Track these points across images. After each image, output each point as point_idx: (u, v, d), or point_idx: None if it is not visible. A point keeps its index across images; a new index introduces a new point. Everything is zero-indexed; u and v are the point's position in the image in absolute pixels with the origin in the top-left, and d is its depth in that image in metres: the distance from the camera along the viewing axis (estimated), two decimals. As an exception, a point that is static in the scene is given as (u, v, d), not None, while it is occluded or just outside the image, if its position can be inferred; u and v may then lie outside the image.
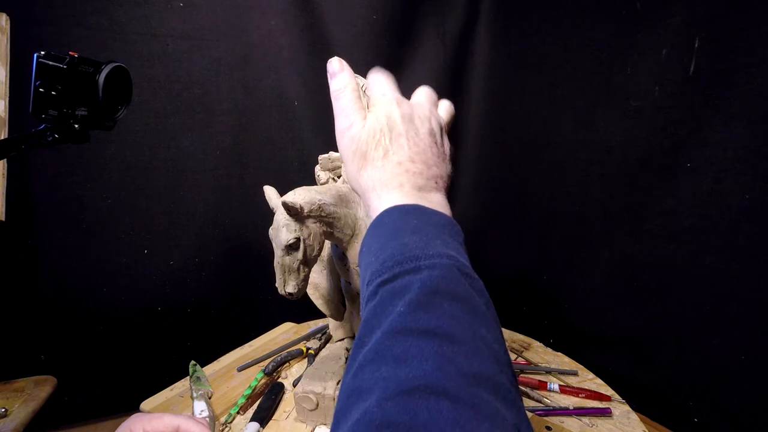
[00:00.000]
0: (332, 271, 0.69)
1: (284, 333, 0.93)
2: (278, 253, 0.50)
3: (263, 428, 0.62)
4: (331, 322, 0.80)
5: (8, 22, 0.78)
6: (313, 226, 0.51)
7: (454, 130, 0.37)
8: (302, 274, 0.51)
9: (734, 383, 0.71)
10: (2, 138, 0.67)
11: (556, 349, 0.84)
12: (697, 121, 0.71)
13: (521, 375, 0.74)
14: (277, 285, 0.51)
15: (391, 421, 0.17)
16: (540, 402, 0.68)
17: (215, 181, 1.02)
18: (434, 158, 0.31)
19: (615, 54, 0.80)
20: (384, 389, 0.18)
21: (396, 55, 1.07)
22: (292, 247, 0.49)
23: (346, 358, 0.70)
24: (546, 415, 0.64)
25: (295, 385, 0.71)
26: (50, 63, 0.43)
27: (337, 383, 0.63)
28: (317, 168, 0.70)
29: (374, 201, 0.30)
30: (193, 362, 0.78)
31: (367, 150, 0.31)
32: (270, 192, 0.53)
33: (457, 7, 1.06)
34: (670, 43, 0.72)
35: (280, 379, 0.75)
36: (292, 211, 0.48)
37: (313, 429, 0.62)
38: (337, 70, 0.34)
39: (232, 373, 0.78)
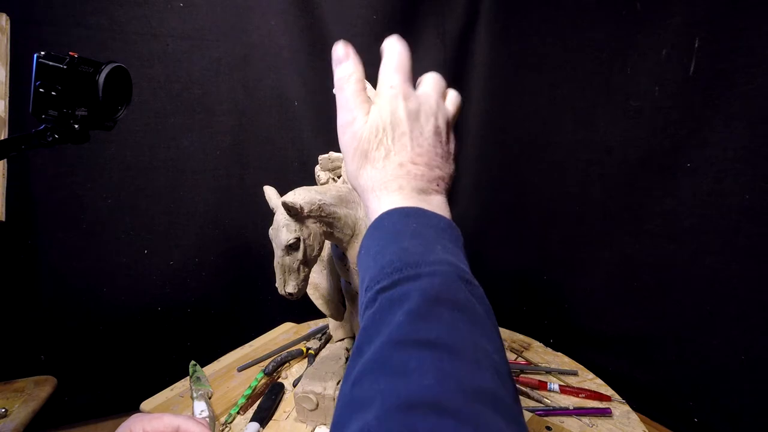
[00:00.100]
0: (332, 271, 0.69)
1: (284, 333, 0.93)
2: (278, 253, 0.50)
3: (263, 428, 0.62)
4: (331, 322, 0.80)
5: (8, 22, 0.78)
6: (313, 226, 0.51)
7: (454, 129, 0.36)
8: (302, 274, 0.51)
9: (734, 383, 0.71)
10: (2, 138, 0.67)
11: (556, 349, 0.84)
12: (697, 121, 0.71)
13: (521, 375, 0.74)
14: (277, 285, 0.51)
15: None
16: (540, 402, 0.68)
17: (215, 181, 1.02)
18: (437, 159, 0.30)
19: (615, 54, 0.80)
20: (383, 403, 0.18)
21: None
22: (292, 247, 0.49)
23: (347, 358, 0.70)
24: (546, 415, 0.64)
25: (295, 385, 0.71)
26: (50, 63, 0.43)
27: (337, 383, 0.63)
28: (317, 168, 0.70)
29: (373, 202, 0.29)
30: (193, 362, 0.78)
31: (368, 149, 0.29)
32: (270, 192, 0.53)
33: (457, 7, 1.06)
34: (670, 43, 0.72)
35: (280, 379, 0.75)
36: (292, 211, 0.48)
37: (313, 429, 0.62)
38: (342, 57, 0.32)
39: (232, 373, 0.78)
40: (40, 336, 0.93)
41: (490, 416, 0.17)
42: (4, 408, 0.69)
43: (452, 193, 0.31)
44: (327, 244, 0.67)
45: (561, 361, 0.80)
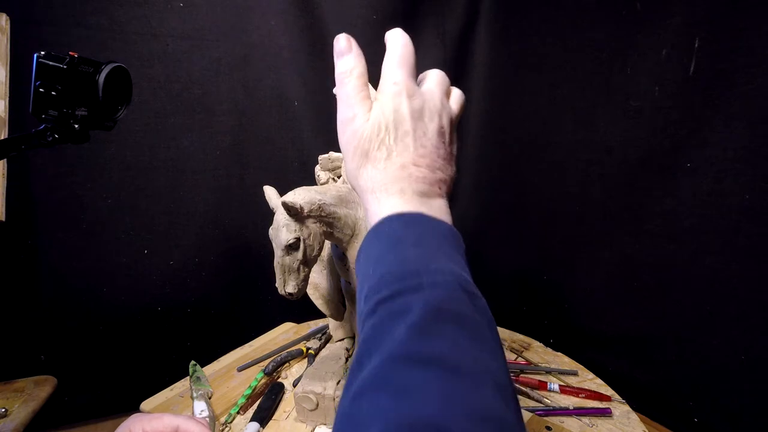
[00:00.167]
0: (332, 271, 0.69)
1: (284, 333, 0.93)
2: (278, 253, 0.50)
3: (263, 428, 0.62)
4: (331, 322, 0.80)
5: (8, 22, 0.78)
6: (313, 226, 0.51)
7: (457, 130, 0.36)
8: (302, 274, 0.51)
9: (734, 383, 0.71)
10: (2, 138, 0.67)
11: (556, 349, 0.84)
12: (697, 121, 0.71)
13: (521, 375, 0.74)
14: (277, 285, 0.51)
15: None
16: (540, 402, 0.68)
17: (215, 181, 1.02)
18: (440, 161, 0.29)
19: (615, 54, 0.80)
20: (386, 424, 0.17)
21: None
22: (292, 247, 0.49)
23: (347, 358, 0.70)
24: (546, 415, 0.64)
25: (295, 385, 0.71)
26: (50, 63, 0.43)
27: (338, 383, 0.63)
28: (317, 168, 0.70)
29: (373, 204, 0.28)
30: (193, 362, 0.78)
31: (369, 148, 0.28)
32: (270, 192, 0.53)
33: (457, 7, 1.06)
34: (670, 43, 0.72)
35: (280, 379, 0.75)
36: (292, 211, 0.48)
37: (313, 429, 0.62)
38: (344, 50, 0.30)
39: (232, 373, 0.78)
40: (40, 336, 0.93)
41: None
42: (4, 408, 0.69)
43: (452, 193, 0.31)
44: (327, 244, 0.67)
45: (561, 361, 0.80)
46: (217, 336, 1.02)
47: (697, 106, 0.70)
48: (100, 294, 0.95)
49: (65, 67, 0.43)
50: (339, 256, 0.61)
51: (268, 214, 0.52)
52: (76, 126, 0.46)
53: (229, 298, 1.08)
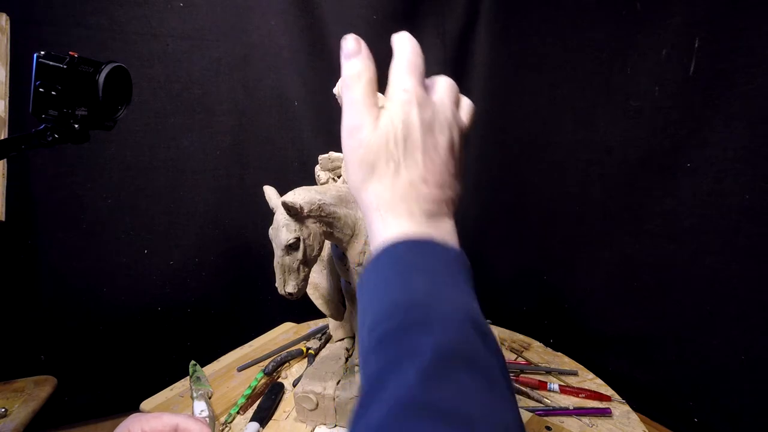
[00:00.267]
0: (332, 271, 0.69)
1: (284, 333, 0.93)
2: (278, 253, 0.50)
3: (263, 428, 0.62)
4: (331, 322, 0.80)
5: (8, 22, 0.78)
6: (313, 226, 0.51)
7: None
8: (302, 274, 0.51)
9: (734, 383, 0.71)
10: (2, 138, 0.67)
11: (556, 349, 0.84)
12: (697, 121, 0.71)
13: (521, 375, 0.74)
14: (277, 285, 0.51)
15: None
16: (540, 402, 0.68)
17: (215, 181, 1.02)
18: (449, 178, 0.27)
19: (615, 54, 0.80)
20: None
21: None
22: (292, 247, 0.49)
23: (347, 358, 0.70)
24: (546, 415, 0.64)
25: (295, 385, 0.71)
26: (50, 63, 0.43)
27: (338, 383, 0.63)
28: (317, 168, 0.70)
29: (377, 223, 0.26)
30: (193, 362, 0.78)
31: (375, 161, 0.26)
32: (270, 192, 0.53)
33: (457, 7, 1.06)
34: (670, 43, 0.72)
35: (280, 379, 0.75)
36: (292, 211, 0.48)
37: (313, 429, 0.62)
38: (353, 51, 0.28)
39: (232, 373, 0.78)
40: (40, 336, 0.93)
41: None
42: (4, 408, 0.69)
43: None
44: (327, 244, 0.67)
45: (561, 361, 0.80)
46: (217, 336, 1.02)
47: (697, 106, 0.70)
48: (100, 294, 0.95)
49: (65, 67, 0.43)
50: (339, 256, 0.61)
51: (268, 214, 0.52)
52: (76, 126, 0.47)
53: (229, 298, 1.08)
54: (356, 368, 0.63)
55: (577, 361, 0.80)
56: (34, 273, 0.91)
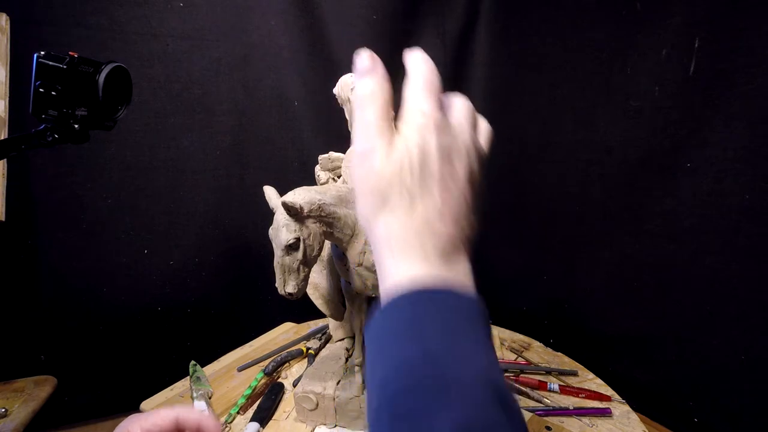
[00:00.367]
0: (332, 271, 0.69)
1: (284, 333, 0.93)
2: (278, 253, 0.50)
3: (263, 428, 0.62)
4: (331, 322, 0.80)
5: (8, 22, 0.78)
6: (313, 226, 0.51)
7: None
8: (302, 274, 0.51)
9: (734, 383, 0.71)
10: (2, 138, 0.67)
11: (556, 349, 0.84)
12: (697, 121, 0.71)
13: (521, 375, 0.74)
14: (277, 285, 0.51)
15: None
16: (540, 402, 0.68)
17: (215, 181, 1.02)
18: (466, 211, 0.25)
19: (615, 54, 0.80)
20: None
21: (396, 55, 1.06)
22: (292, 247, 0.49)
23: (347, 358, 0.70)
24: (546, 415, 0.64)
25: (295, 385, 0.71)
26: (50, 63, 0.43)
27: (337, 383, 0.63)
28: (317, 168, 0.70)
29: (388, 262, 0.24)
30: (193, 362, 0.78)
31: (388, 191, 0.24)
32: (270, 192, 0.53)
33: (457, 7, 1.06)
34: (670, 43, 0.72)
35: (280, 379, 0.75)
36: (292, 211, 0.48)
37: (313, 429, 0.62)
38: (367, 69, 0.26)
39: (232, 373, 0.78)
40: (40, 336, 0.93)
41: None
42: (4, 408, 0.69)
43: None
44: (327, 244, 0.67)
45: (561, 361, 0.80)
46: (217, 336, 1.02)
47: (697, 106, 0.70)
48: (100, 294, 0.95)
49: (65, 67, 0.43)
50: (339, 256, 0.61)
51: (268, 214, 0.52)
52: (76, 126, 0.47)
53: (229, 298, 1.08)
54: (356, 368, 0.63)
55: (577, 361, 0.80)
56: (34, 273, 0.91)
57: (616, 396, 0.69)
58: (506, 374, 0.75)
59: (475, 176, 0.26)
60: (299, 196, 0.50)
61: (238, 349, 0.86)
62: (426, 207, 0.24)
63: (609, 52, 0.81)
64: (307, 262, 0.51)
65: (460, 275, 0.24)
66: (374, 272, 0.54)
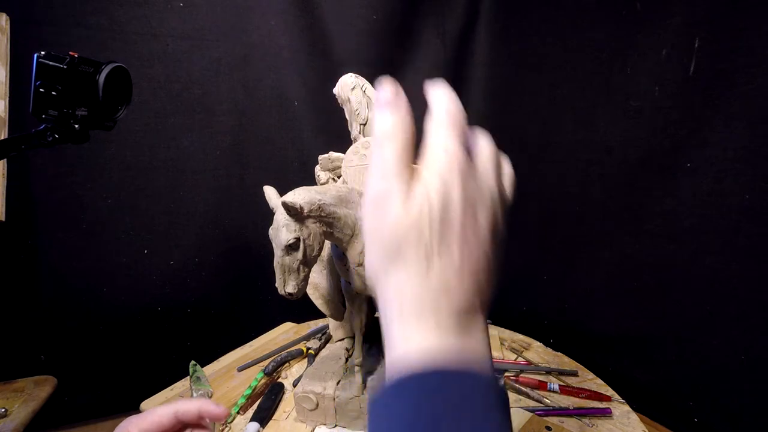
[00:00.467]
0: (332, 271, 0.69)
1: (284, 333, 0.93)
2: (278, 253, 0.50)
3: (263, 428, 0.62)
4: (331, 322, 0.80)
5: (8, 22, 0.78)
6: (313, 226, 0.51)
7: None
8: (302, 274, 0.51)
9: (734, 383, 0.71)
10: (2, 138, 0.67)
11: (556, 349, 0.84)
12: (697, 121, 0.71)
13: (521, 375, 0.74)
14: (277, 285, 0.51)
15: None
16: (540, 402, 0.68)
17: (215, 181, 1.02)
18: (487, 267, 0.22)
19: (615, 54, 0.80)
20: None
21: (396, 55, 1.07)
22: (292, 247, 0.49)
23: (347, 358, 0.70)
24: (546, 415, 0.64)
25: (295, 385, 0.71)
26: (50, 63, 0.43)
27: (337, 383, 0.63)
28: (317, 168, 0.70)
29: (396, 327, 0.22)
30: (193, 362, 0.78)
31: (403, 243, 0.21)
32: (270, 192, 0.53)
33: (457, 7, 1.06)
34: (670, 43, 0.72)
35: (280, 379, 0.75)
36: (292, 211, 0.48)
37: (313, 429, 0.62)
38: (389, 103, 0.24)
39: (232, 373, 0.78)
40: (40, 336, 0.93)
41: None
42: (4, 408, 0.69)
43: None
44: (327, 244, 0.67)
45: (561, 361, 0.80)
46: (217, 336, 1.02)
47: (697, 106, 0.70)
48: (100, 294, 0.95)
49: (65, 67, 0.43)
50: (339, 256, 0.61)
51: (268, 214, 0.52)
52: (76, 126, 0.47)
53: (229, 298, 1.08)
54: (356, 368, 0.63)
55: (577, 361, 0.79)
56: (34, 273, 0.91)
57: (616, 396, 0.69)
58: (506, 374, 0.75)
59: (498, 227, 0.23)
60: (299, 196, 0.50)
61: (238, 349, 0.86)
62: (444, 266, 0.21)
63: (609, 52, 0.81)
64: (307, 262, 0.51)
65: (477, 344, 0.22)
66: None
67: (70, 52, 0.44)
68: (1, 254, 0.88)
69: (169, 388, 0.73)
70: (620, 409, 0.66)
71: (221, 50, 0.97)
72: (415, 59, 1.08)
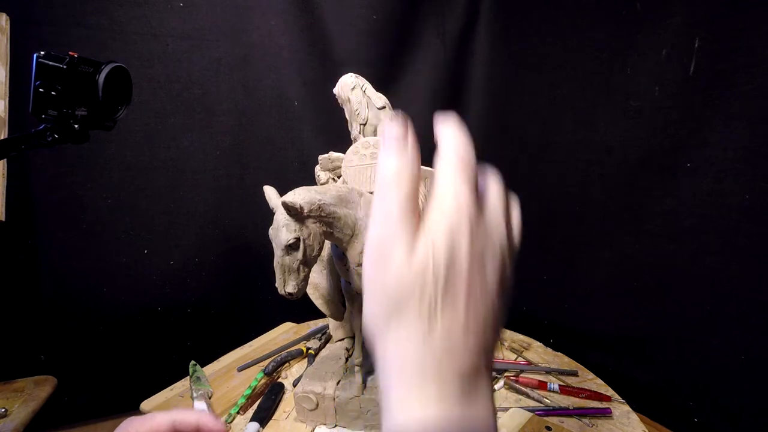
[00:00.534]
0: (332, 271, 0.69)
1: (284, 333, 0.93)
2: (278, 253, 0.50)
3: (263, 428, 0.62)
4: (331, 322, 0.80)
5: (8, 22, 0.78)
6: (313, 226, 0.51)
7: None
8: (302, 274, 0.51)
9: (734, 383, 0.71)
10: (2, 138, 0.67)
11: (556, 349, 0.84)
12: (697, 121, 0.71)
13: (521, 375, 0.74)
14: (277, 285, 0.51)
15: None
16: (540, 402, 0.68)
17: (215, 181, 1.02)
18: (494, 322, 0.21)
19: (615, 54, 0.80)
20: None
21: (396, 55, 1.07)
22: (292, 247, 0.49)
23: (347, 358, 0.70)
24: (546, 415, 0.64)
25: (295, 385, 0.71)
26: (50, 63, 0.43)
27: (337, 383, 0.63)
28: (317, 168, 0.70)
29: (395, 392, 0.20)
30: (193, 362, 0.78)
31: (405, 299, 0.20)
32: (270, 192, 0.53)
33: (457, 7, 1.06)
34: (670, 43, 0.72)
35: (280, 379, 0.75)
36: (292, 211, 0.48)
37: (313, 429, 0.62)
38: (397, 143, 0.22)
39: (232, 373, 0.78)
40: (40, 336, 0.93)
41: None
42: (4, 408, 0.69)
43: None
44: (327, 244, 0.67)
45: (561, 361, 0.80)
46: (217, 336, 1.02)
47: (697, 106, 0.70)
48: (100, 294, 0.95)
49: (65, 67, 0.43)
50: (339, 256, 0.61)
51: (268, 214, 0.52)
52: (76, 126, 0.47)
53: (229, 298, 1.08)
54: (356, 368, 0.63)
55: (577, 361, 0.79)
56: (34, 273, 0.91)
57: (616, 396, 0.69)
58: (506, 374, 0.75)
59: (506, 279, 0.22)
60: (299, 196, 0.50)
61: (238, 349, 0.86)
62: (448, 324, 0.20)
63: (609, 52, 0.81)
64: (307, 262, 0.51)
65: (480, 412, 0.20)
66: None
67: (70, 52, 0.44)
68: (1, 254, 0.88)
69: (169, 388, 0.73)
70: (620, 409, 0.66)
71: (221, 50, 0.97)
72: (415, 59, 1.08)
